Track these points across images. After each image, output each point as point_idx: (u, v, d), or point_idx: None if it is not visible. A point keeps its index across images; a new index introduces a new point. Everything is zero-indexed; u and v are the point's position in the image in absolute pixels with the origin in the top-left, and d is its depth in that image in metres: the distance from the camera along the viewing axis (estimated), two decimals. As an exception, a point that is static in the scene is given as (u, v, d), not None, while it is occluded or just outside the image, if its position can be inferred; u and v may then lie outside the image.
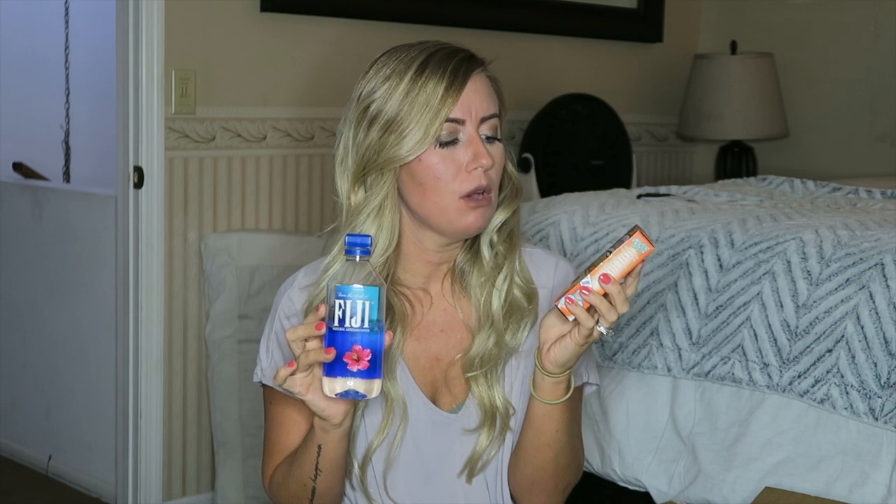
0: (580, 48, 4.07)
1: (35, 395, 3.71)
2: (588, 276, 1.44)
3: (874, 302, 2.05)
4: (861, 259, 2.11)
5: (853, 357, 2.05)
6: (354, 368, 1.37)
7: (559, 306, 1.45)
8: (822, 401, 2.07)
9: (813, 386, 2.09)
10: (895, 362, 2.01)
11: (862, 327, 2.05)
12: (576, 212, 2.58)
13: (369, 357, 1.37)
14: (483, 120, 1.55)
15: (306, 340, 1.39)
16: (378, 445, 1.58)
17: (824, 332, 2.09)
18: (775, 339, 2.15)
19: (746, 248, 2.26)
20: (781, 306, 2.15)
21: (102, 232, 3.35)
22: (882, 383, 2.01)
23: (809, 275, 2.15)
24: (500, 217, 1.60)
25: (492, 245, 1.61)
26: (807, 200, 2.79)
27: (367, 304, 1.36)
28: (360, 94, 1.57)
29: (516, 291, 1.61)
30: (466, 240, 1.62)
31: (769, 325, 2.16)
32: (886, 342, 2.02)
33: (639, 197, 2.80)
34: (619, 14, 4.17)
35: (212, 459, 3.23)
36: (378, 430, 1.58)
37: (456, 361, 1.61)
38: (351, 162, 1.57)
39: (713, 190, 2.91)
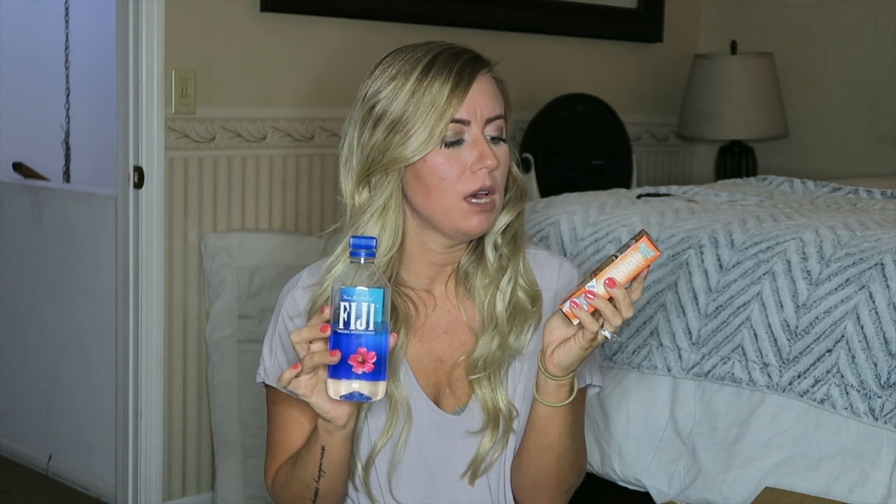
0: (580, 48, 4.07)
1: (35, 395, 3.71)
2: (593, 280, 1.44)
3: (874, 302, 2.05)
4: (861, 259, 2.11)
5: (853, 357, 2.05)
6: (359, 371, 1.36)
7: (564, 310, 1.45)
8: (822, 401, 2.07)
9: (813, 386, 2.09)
10: (895, 362, 2.01)
11: (862, 327, 2.05)
12: (576, 212, 2.58)
13: (374, 359, 1.36)
14: (489, 121, 1.54)
15: (311, 342, 1.39)
16: (382, 447, 1.58)
17: (824, 332, 2.09)
18: (775, 339, 2.15)
19: (746, 248, 2.26)
20: (781, 306, 2.15)
21: (102, 232, 3.34)
22: (882, 383, 2.01)
23: (809, 275, 2.15)
24: (504, 219, 1.60)
25: (496, 247, 1.61)
26: (807, 200, 2.79)
27: (372, 306, 1.36)
28: (366, 94, 1.57)
29: (520, 293, 1.60)
30: (471, 241, 1.62)
31: (769, 325, 2.16)
32: (886, 342, 2.02)
33: (639, 197, 2.80)
34: (619, 14, 4.17)
35: (212, 459, 3.23)
36: (382, 432, 1.57)
37: (459, 364, 1.61)
38: (355, 162, 1.57)
39: (713, 190, 2.91)
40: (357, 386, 1.37)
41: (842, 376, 2.05)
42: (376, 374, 1.37)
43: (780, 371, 2.13)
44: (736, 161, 4.22)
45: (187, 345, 3.17)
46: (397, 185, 1.56)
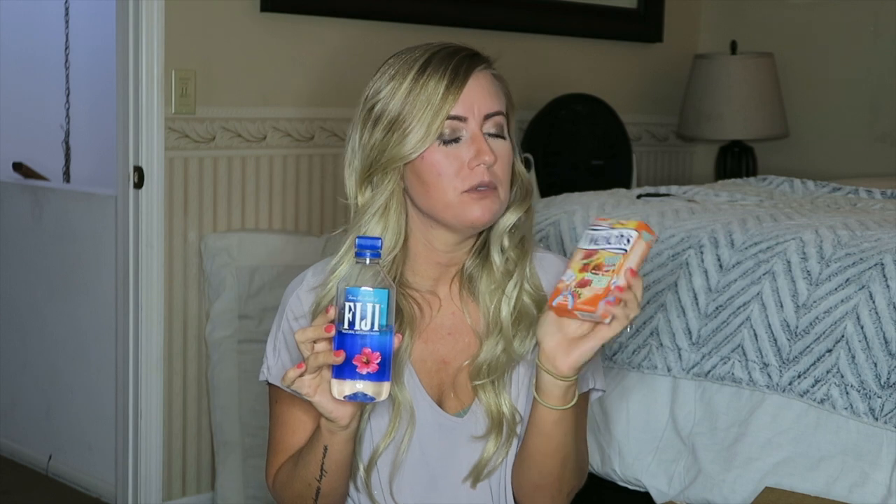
0: (580, 48, 4.07)
1: (35, 395, 3.71)
2: (614, 276, 1.41)
3: (874, 302, 2.05)
4: (861, 259, 2.11)
5: (853, 357, 2.05)
6: (364, 371, 1.36)
7: (598, 312, 1.40)
8: (822, 401, 2.07)
9: (813, 386, 2.09)
10: (895, 362, 2.01)
11: (862, 327, 2.05)
12: (576, 212, 2.58)
13: (378, 360, 1.36)
14: (487, 117, 1.54)
15: (315, 342, 1.39)
16: (384, 449, 1.58)
17: (824, 332, 2.09)
18: (775, 339, 2.15)
19: (746, 248, 2.26)
20: (781, 306, 2.15)
21: (102, 232, 3.35)
22: (882, 383, 2.01)
23: (809, 275, 2.15)
24: (511, 218, 1.60)
25: (503, 250, 1.60)
26: (807, 200, 2.79)
27: (377, 306, 1.36)
28: (367, 94, 1.58)
29: (526, 298, 1.60)
30: (475, 242, 1.61)
31: (769, 325, 2.16)
32: (886, 342, 2.02)
33: (639, 197, 2.80)
34: (619, 14, 4.17)
35: (212, 459, 3.23)
36: (385, 434, 1.57)
37: (463, 368, 1.61)
38: (357, 162, 1.58)
39: (713, 190, 2.91)
40: (361, 386, 1.37)
41: (842, 376, 2.05)
42: (380, 374, 1.37)
43: (780, 371, 2.13)
44: (736, 161, 4.22)
45: (187, 345, 3.17)
46: (398, 184, 1.56)
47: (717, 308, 2.24)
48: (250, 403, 3.15)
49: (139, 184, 3.06)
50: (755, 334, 2.17)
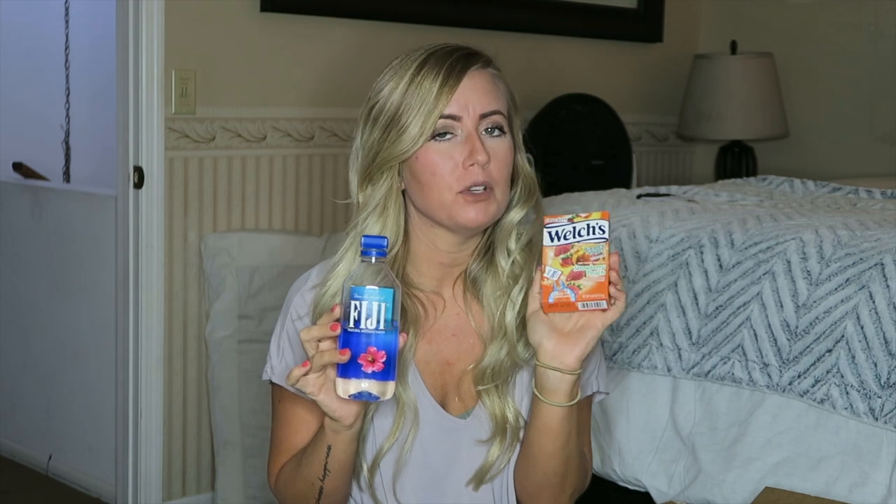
0: (580, 48, 4.07)
1: (35, 395, 3.71)
2: (604, 264, 1.44)
3: (874, 302, 2.05)
4: (861, 259, 2.11)
5: (853, 357, 2.05)
6: (369, 370, 1.36)
7: (607, 298, 1.44)
8: (822, 401, 2.07)
9: (813, 386, 2.09)
10: (895, 362, 2.01)
11: (862, 327, 2.05)
12: (575, 212, 2.58)
13: (384, 359, 1.36)
14: (483, 116, 1.54)
15: (320, 340, 1.39)
16: (389, 448, 1.58)
17: (824, 332, 2.09)
18: (775, 339, 2.15)
19: (746, 248, 2.26)
20: (781, 306, 2.15)
21: (102, 232, 3.34)
22: (882, 383, 2.01)
23: (809, 275, 2.15)
24: (515, 216, 1.60)
25: (509, 253, 1.60)
26: (807, 200, 2.79)
27: (383, 305, 1.36)
28: (370, 94, 1.58)
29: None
30: (479, 243, 1.61)
31: (769, 325, 2.16)
32: (886, 342, 2.02)
33: (639, 197, 2.80)
34: (619, 14, 4.17)
35: (212, 459, 3.23)
36: (389, 434, 1.57)
37: (468, 371, 1.60)
38: (359, 161, 1.58)
39: (713, 190, 2.91)
40: (366, 385, 1.37)
41: (842, 376, 2.05)
42: (386, 373, 1.37)
43: (780, 371, 2.13)
44: (736, 161, 4.22)
45: (187, 345, 3.17)
46: (396, 182, 1.57)
47: (717, 308, 2.24)
48: (250, 403, 3.15)
49: (139, 184, 3.06)
50: (755, 334, 2.17)
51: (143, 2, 3.00)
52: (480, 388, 1.58)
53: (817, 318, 2.11)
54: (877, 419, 2.01)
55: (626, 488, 2.35)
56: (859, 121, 4.15)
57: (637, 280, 2.36)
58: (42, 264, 3.65)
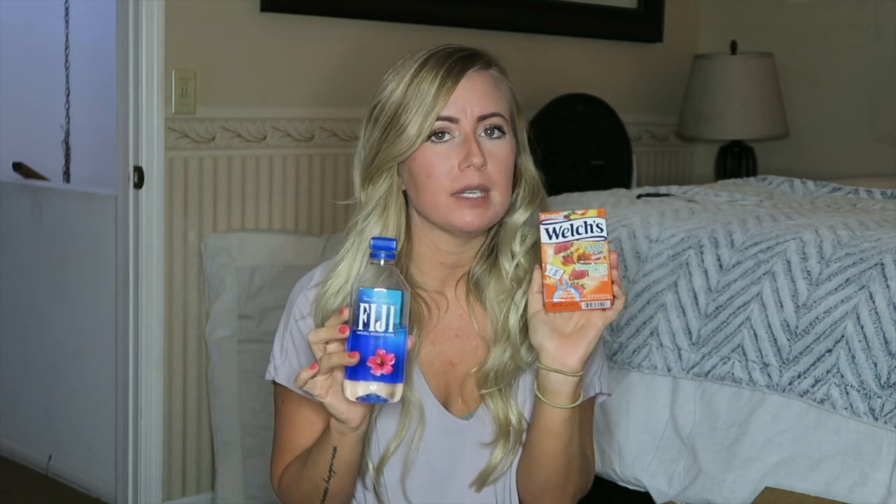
0: (580, 48, 4.07)
1: (35, 395, 3.70)
2: (605, 262, 1.45)
3: (874, 302, 2.05)
4: (861, 259, 2.11)
5: (853, 357, 2.05)
6: (378, 372, 1.36)
7: (611, 297, 1.45)
8: (822, 401, 2.07)
9: (813, 386, 2.09)
10: (895, 362, 2.01)
11: (862, 327, 2.05)
12: (574, 209, 2.58)
13: (393, 361, 1.36)
14: (482, 118, 1.54)
15: (327, 343, 1.39)
16: (395, 449, 1.57)
17: (824, 332, 2.09)
18: (775, 339, 2.15)
19: (746, 248, 2.26)
20: (781, 306, 2.15)
21: (102, 232, 3.34)
22: (882, 383, 2.01)
23: (809, 275, 2.15)
24: (519, 217, 1.59)
25: (513, 255, 1.60)
26: (807, 200, 2.79)
27: (392, 307, 1.35)
28: (374, 94, 1.58)
29: None
30: (482, 245, 1.61)
31: (769, 325, 2.16)
32: (886, 342, 2.02)
33: (639, 197, 2.80)
34: (619, 14, 4.17)
35: (212, 459, 3.23)
36: (395, 434, 1.57)
37: (471, 374, 1.60)
38: (361, 160, 1.58)
39: (713, 190, 2.91)
40: (375, 388, 1.37)
41: (842, 376, 2.05)
42: (394, 376, 1.36)
43: (780, 371, 2.13)
44: (736, 161, 4.22)
45: (187, 345, 3.17)
46: (395, 182, 1.57)
47: (717, 308, 2.24)
48: (250, 403, 3.15)
49: (139, 184, 3.06)
50: (755, 334, 2.17)
51: (143, 2, 3.00)
52: (483, 391, 1.58)
53: (817, 318, 2.11)
54: (877, 419, 2.01)
55: (626, 488, 2.35)
56: (859, 121, 4.15)
57: (637, 280, 2.36)
58: (42, 264, 3.65)
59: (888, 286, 2.05)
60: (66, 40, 4.48)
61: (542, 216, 1.47)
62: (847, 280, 2.10)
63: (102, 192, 3.44)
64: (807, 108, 4.25)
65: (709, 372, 2.22)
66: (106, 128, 3.65)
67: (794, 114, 4.21)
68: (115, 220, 3.20)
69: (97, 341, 3.39)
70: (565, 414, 1.51)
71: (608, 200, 2.71)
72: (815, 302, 2.12)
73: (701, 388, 2.24)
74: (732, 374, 2.19)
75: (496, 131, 1.55)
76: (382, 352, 1.35)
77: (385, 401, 1.37)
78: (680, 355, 2.26)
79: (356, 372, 1.36)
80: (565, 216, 1.46)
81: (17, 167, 4.11)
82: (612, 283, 1.45)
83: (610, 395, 1.69)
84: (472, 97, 1.53)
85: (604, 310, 1.46)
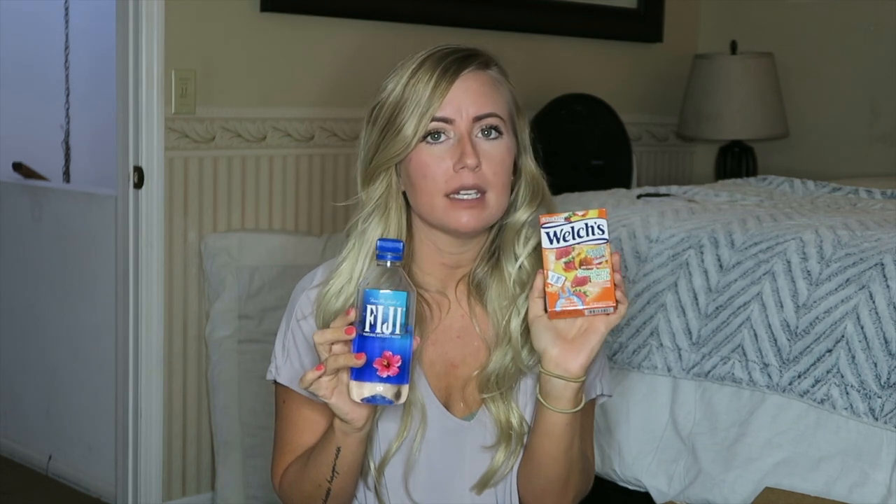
0: (580, 48, 4.07)
1: (35, 395, 3.71)
2: (608, 267, 1.44)
3: (874, 302, 2.05)
4: (861, 259, 2.11)
5: (853, 357, 2.05)
6: (384, 374, 1.36)
7: (614, 303, 1.44)
8: (822, 401, 2.07)
9: (813, 386, 2.09)
10: (895, 362, 2.01)
11: (862, 327, 2.05)
12: (575, 211, 2.58)
13: (399, 363, 1.36)
14: (477, 119, 1.53)
15: (332, 344, 1.39)
16: (397, 450, 1.57)
17: (824, 333, 2.09)
18: (775, 339, 2.15)
19: (746, 248, 2.26)
20: (781, 306, 2.15)
21: (102, 232, 3.35)
22: (882, 383, 2.01)
23: (809, 275, 2.15)
24: (521, 216, 1.59)
25: (516, 258, 1.60)
26: (807, 200, 2.79)
27: (399, 309, 1.35)
28: (374, 95, 1.58)
29: None
30: (483, 246, 1.61)
31: (769, 325, 2.16)
32: (886, 342, 2.02)
33: (639, 197, 2.80)
34: (619, 14, 4.17)
35: (212, 459, 3.23)
36: (397, 434, 1.56)
37: (472, 377, 1.60)
38: (361, 161, 1.58)
39: (713, 190, 2.91)
40: (381, 389, 1.36)
41: (842, 376, 2.05)
42: (400, 377, 1.36)
43: (781, 371, 2.13)
44: (736, 161, 4.22)
45: (187, 345, 3.17)
46: (395, 183, 1.57)
47: (717, 308, 2.24)
48: (250, 403, 3.15)
49: (139, 184, 3.06)
50: (755, 334, 2.17)
51: (143, 2, 3.00)
52: (485, 395, 1.58)
53: (817, 318, 2.11)
54: (877, 419, 2.01)
55: (626, 488, 2.35)
56: (859, 121, 4.15)
57: (637, 280, 2.36)
58: (42, 264, 3.65)
59: (888, 286, 2.05)
60: (66, 40, 4.48)
61: (543, 219, 1.47)
62: (847, 280, 2.10)
63: (102, 192, 3.44)
64: (807, 108, 4.25)
65: (709, 372, 2.22)
66: (106, 128, 3.66)
67: (794, 114, 4.21)
68: (115, 220, 3.20)
69: (97, 341, 3.39)
70: (566, 418, 1.51)
71: (608, 200, 2.72)
72: (815, 302, 2.12)
73: (701, 389, 2.24)
74: (732, 374, 2.19)
75: (493, 132, 1.55)
76: (389, 353, 1.35)
77: (391, 402, 1.37)
78: (680, 355, 2.26)
79: (362, 373, 1.36)
80: (566, 218, 1.46)
81: (17, 167, 4.11)
82: (615, 287, 1.44)
83: (611, 396, 1.69)
84: (467, 98, 1.53)
85: (607, 315, 1.45)
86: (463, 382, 1.60)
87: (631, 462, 2.31)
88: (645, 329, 2.31)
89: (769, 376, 2.14)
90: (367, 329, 1.35)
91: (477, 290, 1.61)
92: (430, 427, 1.58)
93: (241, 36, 3.21)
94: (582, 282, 1.44)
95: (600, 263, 1.44)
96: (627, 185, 3.90)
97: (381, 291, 1.35)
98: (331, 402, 1.41)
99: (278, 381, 1.61)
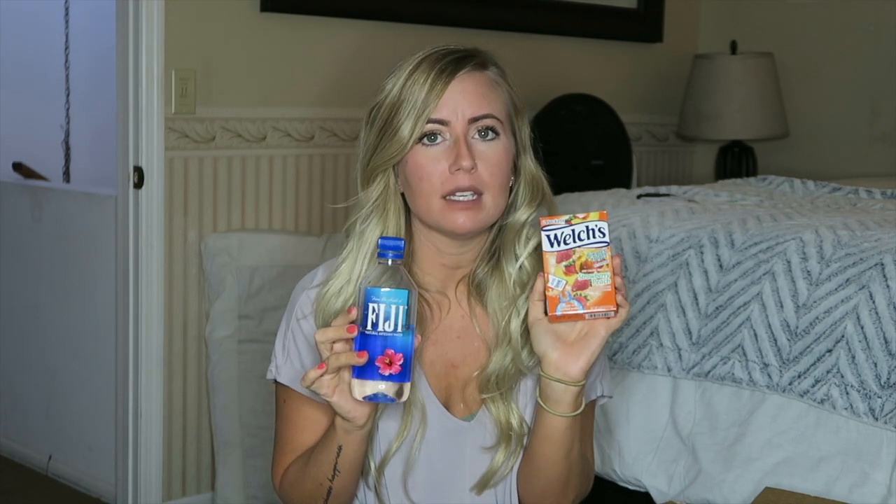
0: (580, 48, 4.07)
1: (35, 395, 3.71)
2: (608, 271, 1.43)
3: (874, 302, 2.05)
4: (861, 259, 2.11)
5: (853, 357, 2.05)
6: (386, 372, 1.36)
7: (615, 307, 1.43)
8: (822, 401, 2.07)
9: (813, 386, 2.09)
10: (895, 362, 2.01)
11: (862, 327, 2.05)
12: (576, 212, 2.58)
13: (401, 361, 1.36)
14: (473, 120, 1.53)
15: (334, 342, 1.39)
16: (397, 449, 1.57)
17: (824, 333, 2.09)
18: (775, 339, 2.15)
19: (746, 248, 2.26)
20: (781, 306, 2.15)
21: (102, 232, 3.35)
22: (882, 383, 2.01)
23: (809, 275, 2.15)
24: (521, 216, 1.59)
25: (516, 258, 1.59)
26: (807, 200, 2.79)
27: (401, 307, 1.35)
28: (373, 95, 1.58)
29: None
30: (483, 247, 1.60)
31: (769, 325, 2.16)
32: (886, 342, 2.02)
33: (639, 197, 2.80)
34: (619, 14, 4.17)
35: (212, 459, 3.23)
36: (397, 433, 1.56)
37: (472, 378, 1.60)
38: (360, 161, 1.58)
39: (713, 190, 2.91)
40: (383, 387, 1.37)
41: (842, 376, 2.05)
42: (402, 375, 1.37)
43: (781, 371, 2.13)
44: (736, 161, 4.22)
45: (187, 345, 3.17)
46: (393, 184, 1.57)
47: (717, 308, 2.24)
48: (250, 403, 3.15)
49: (139, 184, 3.06)
50: (755, 334, 2.17)
51: (143, 2, 3.00)
52: (485, 396, 1.58)
53: (817, 318, 2.11)
54: (877, 419, 2.01)
55: (626, 488, 2.35)
56: (859, 121, 4.15)
57: (637, 280, 2.36)
58: (42, 264, 3.65)
59: (888, 286, 2.05)
60: (66, 40, 4.48)
61: (543, 222, 1.46)
62: (847, 280, 2.10)
63: (102, 192, 3.44)
64: (807, 108, 4.25)
65: (709, 372, 2.22)
66: (106, 128, 3.66)
67: (794, 114, 4.21)
68: (115, 220, 3.20)
69: (97, 341, 3.39)
70: (566, 422, 1.51)
71: (608, 200, 2.72)
72: (815, 302, 2.12)
73: (701, 389, 2.24)
74: (732, 374, 2.19)
75: (489, 133, 1.54)
76: (391, 351, 1.36)
77: (392, 400, 1.38)
78: (680, 355, 2.26)
79: (364, 371, 1.36)
80: (566, 221, 1.45)
81: (17, 167, 4.11)
82: (616, 291, 1.44)
83: (611, 397, 1.69)
84: (462, 99, 1.53)
85: (608, 319, 1.45)
86: (463, 383, 1.60)
87: (631, 462, 2.31)
88: (645, 329, 2.31)
89: (769, 376, 2.14)
90: (369, 327, 1.36)
91: (477, 290, 1.61)
92: (430, 427, 1.57)
93: (241, 36, 3.21)
94: (582, 286, 1.43)
95: (601, 267, 1.43)
96: (627, 185, 3.90)
97: (383, 289, 1.36)
98: (332, 400, 1.41)
99: (278, 380, 1.61)
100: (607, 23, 4.13)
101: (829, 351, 2.08)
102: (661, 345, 2.28)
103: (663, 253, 2.36)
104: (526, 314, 1.52)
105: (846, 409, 2.04)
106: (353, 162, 1.62)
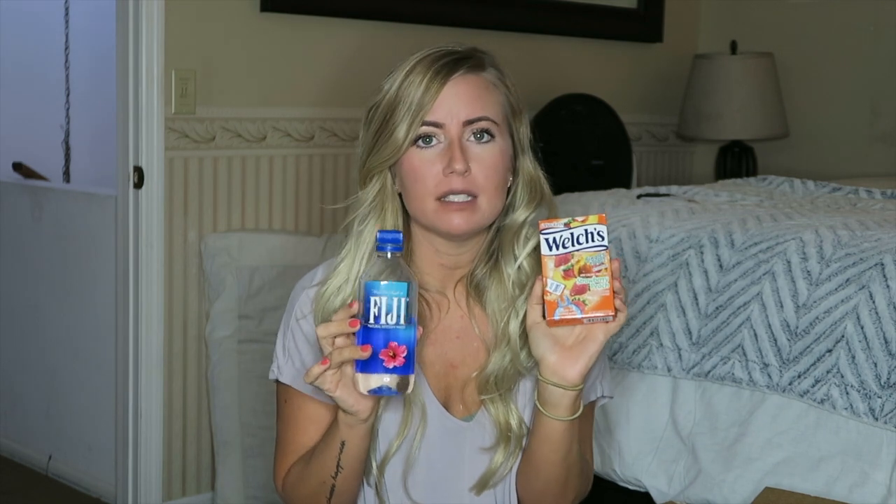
0: (580, 48, 4.07)
1: (35, 395, 3.71)
2: (607, 275, 1.43)
3: (874, 302, 2.05)
4: (861, 259, 2.11)
5: (853, 357, 2.05)
6: (390, 365, 1.36)
7: (613, 312, 1.42)
8: (822, 401, 2.07)
9: (813, 386, 2.09)
10: (895, 362, 2.01)
11: (862, 327, 2.05)
12: (576, 212, 2.58)
13: (405, 353, 1.36)
14: (468, 123, 1.53)
15: (335, 337, 1.38)
16: (398, 448, 1.57)
17: (824, 333, 2.09)
18: (775, 339, 2.15)
19: (746, 248, 2.26)
20: (781, 306, 2.15)
21: (102, 232, 3.35)
22: (882, 383, 2.01)
23: (809, 275, 2.15)
24: (519, 217, 1.59)
25: (515, 259, 1.59)
26: (807, 200, 2.79)
27: (402, 300, 1.36)
28: (372, 96, 1.58)
29: None
30: (481, 247, 1.60)
31: (769, 325, 2.16)
32: (886, 342, 2.02)
33: (639, 197, 2.81)
34: (619, 14, 4.17)
35: (212, 459, 3.23)
36: (398, 432, 1.56)
37: (472, 379, 1.60)
38: (358, 161, 1.59)
39: (713, 190, 2.91)
40: (388, 380, 1.37)
41: (842, 376, 2.05)
42: (406, 367, 1.37)
43: (781, 371, 2.13)
44: (736, 161, 4.22)
45: (187, 345, 3.17)
46: (389, 184, 1.57)
47: (717, 308, 2.24)
48: (250, 403, 3.15)
49: (139, 184, 3.06)
50: (755, 334, 2.17)
51: (143, 2, 3.00)
52: (484, 397, 1.58)
53: (817, 318, 2.11)
54: (877, 419, 2.01)
55: (626, 488, 2.35)
56: (859, 121, 4.15)
57: (637, 280, 2.36)
58: (42, 264, 3.65)
59: (888, 286, 2.05)
60: (66, 40, 4.48)
61: (542, 225, 1.46)
62: (847, 280, 2.10)
63: (102, 192, 3.44)
64: (807, 108, 4.25)
65: (709, 372, 2.22)
66: (106, 128, 3.66)
67: (794, 114, 4.21)
68: (115, 220, 3.20)
69: (97, 341, 3.39)
70: (564, 425, 1.51)
71: (608, 200, 2.72)
72: (815, 302, 2.12)
73: (701, 389, 2.24)
74: (732, 374, 2.19)
75: (484, 135, 1.54)
76: (394, 344, 1.36)
77: (397, 393, 1.38)
78: (680, 355, 2.26)
79: (368, 365, 1.36)
80: (565, 224, 1.45)
81: (17, 167, 4.11)
82: (615, 295, 1.43)
83: (612, 397, 1.69)
84: (457, 101, 1.52)
85: (606, 323, 1.45)
86: (462, 383, 1.60)
87: (631, 462, 2.31)
88: (645, 329, 2.31)
89: (769, 376, 2.14)
90: (371, 321, 1.36)
91: (476, 291, 1.61)
92: (430, 427, 1.57)
93: (241, 36, 3.21)
94: (581, 290, 1.43)
95: (599, 271, 1.43)
96: (627, 185, 3.90)
97: (384, 283, 1.36)
98: (336, 395, 1.41)
99: (280, 380, 1.60)
100: (607, 23, 4.13)
101: (829, 351, 2.08)
102: (661, 345, 2.28)
103: (663, 253, 2.36)
104: (524, 316, 1.52)
105: (846, 409, 2.04)
106: (354, 162, 1.62)
